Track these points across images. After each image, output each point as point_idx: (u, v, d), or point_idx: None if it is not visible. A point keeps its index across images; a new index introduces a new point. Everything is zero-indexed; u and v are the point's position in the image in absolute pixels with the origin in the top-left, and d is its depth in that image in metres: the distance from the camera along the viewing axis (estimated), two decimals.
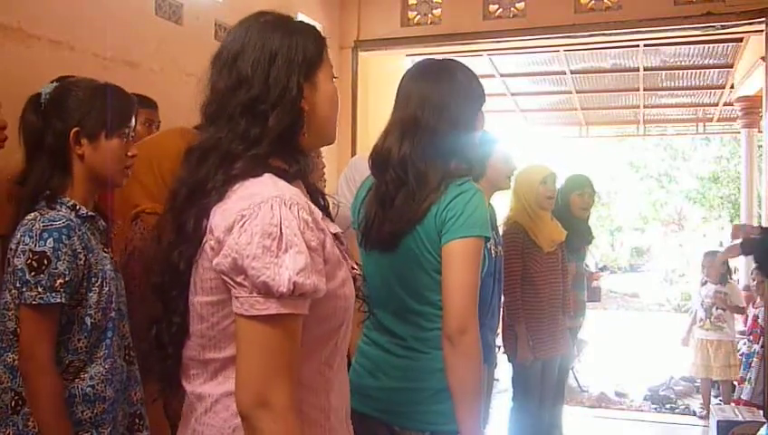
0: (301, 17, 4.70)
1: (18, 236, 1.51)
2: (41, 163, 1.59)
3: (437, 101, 1.60)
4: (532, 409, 3.30)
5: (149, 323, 1.16)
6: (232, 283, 1.01)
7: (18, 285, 1.47)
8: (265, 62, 1.12)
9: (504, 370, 3.63)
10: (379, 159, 1.65)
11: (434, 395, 1.57)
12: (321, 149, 2.88)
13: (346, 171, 2.84)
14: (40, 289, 1.46)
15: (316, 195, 1.22)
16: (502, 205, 3.43)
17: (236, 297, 1.01)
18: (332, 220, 1.22)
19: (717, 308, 5.34)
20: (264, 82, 1.11)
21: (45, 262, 1.47)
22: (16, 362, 1.52)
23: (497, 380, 4.07)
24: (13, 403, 1.53)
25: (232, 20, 4.15)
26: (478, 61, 6.19)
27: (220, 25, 3.77)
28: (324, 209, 1.22)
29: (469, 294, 1.50)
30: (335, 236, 1.16)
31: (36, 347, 1.47)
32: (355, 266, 1.21)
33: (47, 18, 2.73)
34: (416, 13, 5.07)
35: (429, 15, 5.03)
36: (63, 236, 1.50)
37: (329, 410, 1.14)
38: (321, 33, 1.22)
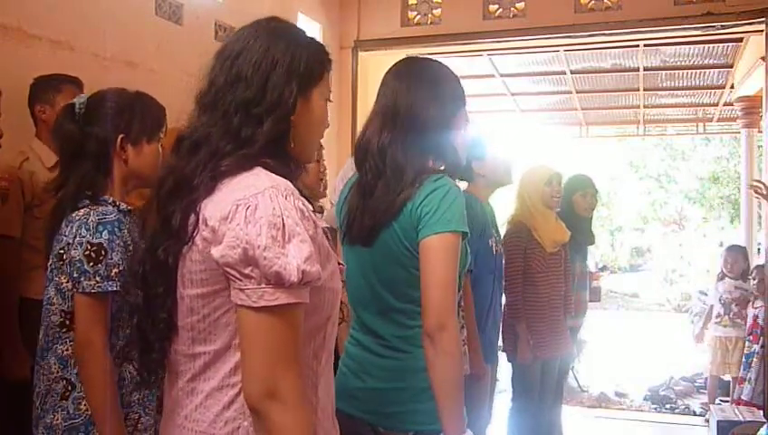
0: (301, 17, 4.70)
1: (74, 229, 1.59)
2: (82, 168, 1.68)
3: (417, 96, 1.60)
4: (531, 409, 3.30)
5: (130, 312, 1.16)
6: (237, 274, 1.00)
7: (75, 275, 1.56)
8: (267, 65, 1.12)
9: (503, 370, 3.62)
10: (359, 149, 1.66)
11: (417, 395, 1.56)
12: (323, 150, 2.91)
13: (341, 171, 2.85)
14: (98, 278, 1.55)
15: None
16: (503, 204, 3.43)
17: (242, 289, 1.00)
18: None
19: (737, 304, 5.27)
20: (262, 85, 1.11)
21: (102, 253, 1.57)
22: (65, 352, 1.64)
23: (497, 380, 4.06)
24: (63, 391, 1.63)
25: (232, 20, 4.16)
26: (478, 61, 6.15)
27: (220, 25, 3.77)
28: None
29: (447, 290, 1.48)
30: (323, 230, 1.17)
31: (93, 334, 1.55)
32: (341, 261, 1.22)
33: (47, 18, 2.73)
34: (416, 13, 5.07)
35: (429, 15, 5.03)
36: (116, 229, 1.60)
37: (317, 405, 1.14)
38: (327, 53, 1.22)
